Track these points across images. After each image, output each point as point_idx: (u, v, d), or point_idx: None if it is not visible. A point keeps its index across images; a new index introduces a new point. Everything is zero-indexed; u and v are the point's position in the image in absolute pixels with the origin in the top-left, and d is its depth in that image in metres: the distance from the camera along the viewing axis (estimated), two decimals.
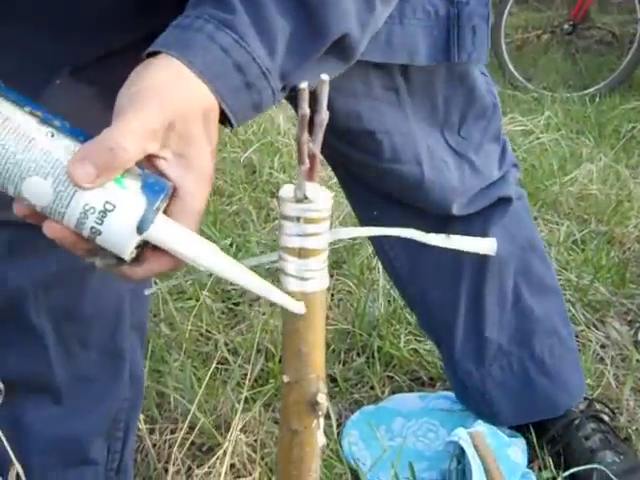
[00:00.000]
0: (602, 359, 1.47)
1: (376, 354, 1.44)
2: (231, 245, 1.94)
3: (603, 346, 1.52)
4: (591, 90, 3.59)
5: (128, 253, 0.54)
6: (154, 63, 0.56)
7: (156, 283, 1.70)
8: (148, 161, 0.55)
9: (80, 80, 0.71)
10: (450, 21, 0.83)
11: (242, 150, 2.57)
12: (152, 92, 0.53)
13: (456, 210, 1.02)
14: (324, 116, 0.52)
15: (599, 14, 5.31)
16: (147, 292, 0.61)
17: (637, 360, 1.46)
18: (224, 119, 0.59)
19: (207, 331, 1.56)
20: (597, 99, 3.43)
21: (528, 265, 1.10)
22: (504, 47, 3.96)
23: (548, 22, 4.62)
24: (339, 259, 1.87)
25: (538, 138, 2.68)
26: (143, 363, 1.00)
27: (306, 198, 0.52)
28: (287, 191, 0.53)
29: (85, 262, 0.57)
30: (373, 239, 1.16)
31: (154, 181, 0.54)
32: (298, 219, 0.52)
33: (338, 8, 0.60)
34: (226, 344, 1.51)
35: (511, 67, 3.92)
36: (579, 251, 1.88)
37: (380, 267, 1.73)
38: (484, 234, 1.04)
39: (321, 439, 0.56)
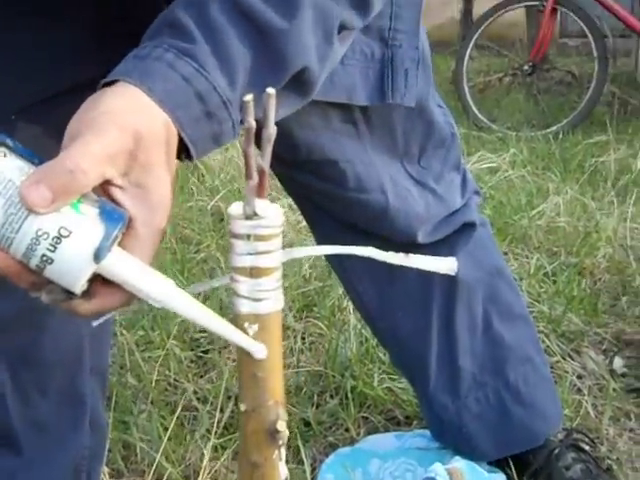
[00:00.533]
0: (579, 389, 1.45)
1: (350, 395, 1.41)
2: (199, 293, 1.90)
3: (580, 376, 1.50)
4: (554, 128, 3.64)
5: (80, 285, 0.50)
6: (111, 90, 0.54)
7: (117, 322, 1.67)
8: (103, 189, 0.52)
9: (27, 119, 0.70)
10: (384, 63, 0.85)
11: (209, 198, 2.55)
12: (111, 117, 0.51)
13: (422, 238, 1.01)
14: (272, 131, 0.50)
15: (558, 57, 5.44)
16: (95, 323, 0.58)
17: (614, 389, 1.44)
18: (181, 152, 0.57)
19: (175, 380, 1.51)
20: (560, 136, 3.47)
21: (496, 291, 1.09)
22: (467, 90, 4.02)
23: (509, 65, 4.70)
24: (310, 302, 1.84)
25: (505, 176, 2.70)
26: (105, 410, 0.96)
27: (256, 215, 0.50)
28: (236, 208, 0.50)
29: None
30: (341, 274, 1.14)
31: (112, 209, 0.51)
32: (248, 237, 0.50)
33: (298, 41, 0.59)
34: (195, 392, 1.47)
35: (475, 109, 3.97)
36: (550, 283, 1.87)
37: (351, 307, 1.71)
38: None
39: (283, 471, 0.53)
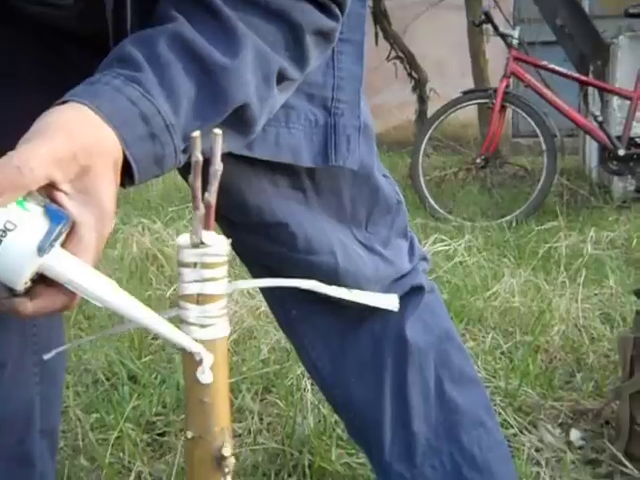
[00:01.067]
0: (537, 462, 1.45)
1: (308, 471, 1.39)
2: (156, 377, 1.89)
3: (537, 449, 1.50)
4: (508, 218, 3.74)
5: (23, 280, 0.52)
6: (61, 107, 0.57)
7: (72, 405, 1.64)
8: (49, 194, 0.54)
9: None
10: (327, 129, 0.89)
11: (167, 287, 2.56)
12: (60, 125, 0.55)
13: None
14: (218, 167, 0.53)
15: (512, 155, 5.64)
16: (46, 356, 0.59)
17: (572, 461, 1.45)
18: (124, 178, 0.60)
19: (130, 462, 1.48)
20: (514, 224, 3.57)
21: (447, 356, 1.10)
22: (423, 183, 4.13)
23: (464, 161, 4.85)
24: (268, 384, 1.84)
25: (461, 261, 2.76)
26: (55, 477, 0.94)
27: (202, 243, 0.52)
28: (184, 238, 0.53)
29: None
30: (295, 341, 1.14)
31: (56, 209, 0.53)
32: (195, 265, 0.52)
33: (239, 78, 0.64)
34: (150, 474, 1.44)
35: (432, 201, 4.07)
36: (507, 360, 1.89)
37: (309, 386, 1.71)
38: (401, 325, 1.05)
39: None
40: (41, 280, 0.53)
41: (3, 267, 0.51)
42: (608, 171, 4.05)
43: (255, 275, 1.10)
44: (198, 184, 0.52)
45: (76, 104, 0.57)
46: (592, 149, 4.58)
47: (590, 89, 4.61)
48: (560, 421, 1.62)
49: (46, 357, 0.59)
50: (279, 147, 0.86)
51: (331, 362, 1.10)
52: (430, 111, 5.26)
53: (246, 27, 0.66)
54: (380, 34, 5.84)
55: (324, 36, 0.76)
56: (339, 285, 1.00)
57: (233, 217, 0.93)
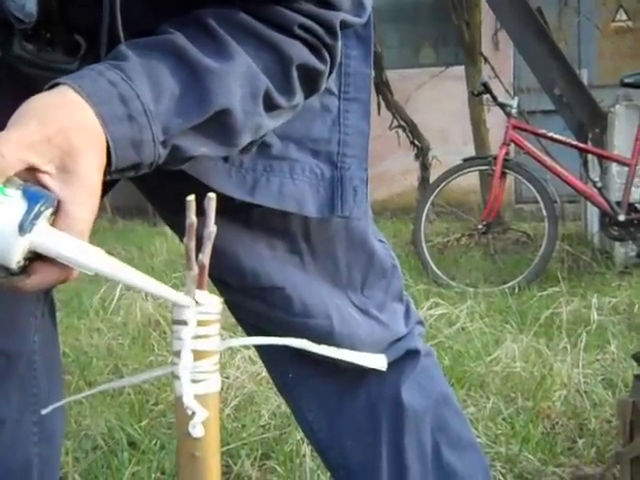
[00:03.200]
0: None
1: None
2: (156, 443, 1.89)
3: None
4: (510, 284, 3.75)
5: (14, 260, 0.56)
6: (42, 93, 0.62)
7: (71, 471, 1.63)
8: (33, 177, 0.58)
9: None
10: (334, 182, 0.91)
11: (169, 353, 2.55)
12: (34, 112, 0.59)
13: None
14: (212, 229, 0.56)
15: (514, 221, 5.68)
16: (44, 411, 0.60)
17: None
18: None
19: None
20: (517, 290, 3.58)
21: (444, 420, 1.09)
22: (425, 249, 4.15)
23: (466, 227, 4.89)
24: (267, 450, 1.83)
25: (463, 327, 2.76)
26: None
27: (196, 302, 0.54)
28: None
29: None
30: (292, 403, 1.15)
31: (36, 190, 0.58)
32: (189, 322, 0.54)
33: (224, 84, 0.68)
34: None
35: (434, 267, 4.08)
36: (508, 426, 1.88)
37: (309, 452, 1.70)
38: (397, 388, 1.05)
39: None
40: (37, 258, 0.58)
41: None
42: (609, 237, 4.08)
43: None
44: (192, 245, 0.55)
45: (61, 86, 0.62)
46: (593, 215, 4.62)
47: (590, 156, 4.68)
48: None
49: (44, 412, 0.61)
50: (282, 196, 0.88)
51: (327, 424, 1.10)
52: (432, 178, 5.32)
53: (239, 47, 0.70)
54: (382, 104, 5.94)
55: (312, 77, 0.78)
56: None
57: (229, 280, 0.95)
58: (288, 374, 1.08)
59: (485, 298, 3.39)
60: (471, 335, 2.68)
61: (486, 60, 6.08)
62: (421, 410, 1.07)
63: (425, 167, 6.18)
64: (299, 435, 1.79)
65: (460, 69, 6.25)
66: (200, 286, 0.55)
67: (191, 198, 0.55)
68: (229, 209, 0.88)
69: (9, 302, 0.91)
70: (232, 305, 1.04)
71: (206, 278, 0.55)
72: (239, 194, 0.84)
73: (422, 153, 6.16)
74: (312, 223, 0.95)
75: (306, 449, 1.71)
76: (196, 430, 0.53)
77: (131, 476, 1.66)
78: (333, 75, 0.86)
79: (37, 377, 0.95)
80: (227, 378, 2.19)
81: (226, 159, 0.83)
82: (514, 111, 4.10)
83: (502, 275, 4.02)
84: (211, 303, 0.54)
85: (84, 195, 0.60)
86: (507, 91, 5.88)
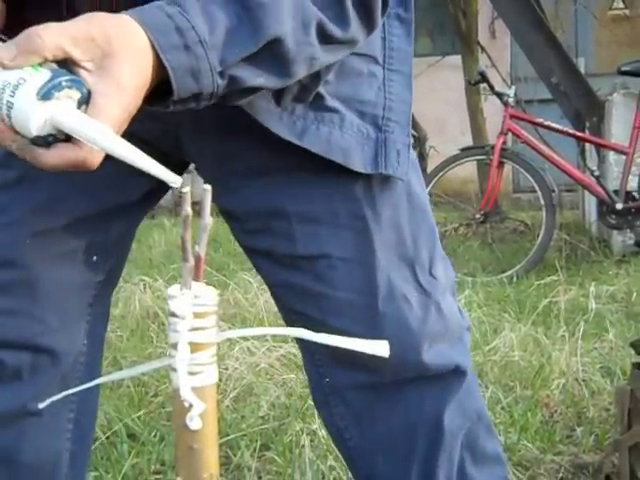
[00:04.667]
0: None
1: None
2: (155, 435, 1.89)
3: None
4: (508, 273, 3.75)
5: (34, 125, 0.62)
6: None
7: None
8: (70, 69, 0.64)
9: None
10: (378, 142, 0.91)
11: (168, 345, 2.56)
12: (87, 16, 0.65)
13: (413, 356, 0.95)
14: (207, 221, 0.56)
15: (512, 210, 5.68)
16: (41, 405, 0.60)
17: None
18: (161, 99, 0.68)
19: None
20: (515, 280, 3.58)
21: (475, 437, 1.03)
22: None
23: (463, 216, 4.89)
24: (267, 441, 1.83)
25: None
26: None
27: (193, 294, 0.54)
28: (175, 289, 0.55)
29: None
30: (324, 410, 1.06)
31: (66, 72, 0.63)
32: (185, 314, 0.54)
33: (275, 14, 0.71)
34: None
35: None
36: (507, 415, 1.89)
37: (308, 442, 1.70)
38: (440, 411, 0.98)
39: None
40: (60, 137, 0.64)
41: (18, 116, 0.62)
42: (607, 225, 4.08)
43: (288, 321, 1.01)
44: (188, 237, 0.54)
45: (118, 14, 0.66)
46: (591, 204, 4.62)
47: (587, 145, 4.68)
48: (560, 475, 1.61)
49: (41, 405, 0.61)
50: (330, 145, 0.88)
51: (360, 435, 1.03)
52: (430, 168, 5.32)
53: None
54: None
55: (367, 7, 0.79)
56: (376, 333, 0.90)
57: (279, 248, 0.93)
58: (325, 378, 1.01)
59: (483, 287, 3.40)
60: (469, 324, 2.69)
61: (483, 49, 6.08)
62: (457, 430, 1.01)
63: (422, 157, 6.18)
64: (298, 426, 1.80)
65: (457, 58, 6.25)
66: (197, 278, 0.55)
67: (187, 190, 0.55)
68: (286, 167, 0.89)
69: (60, 302, 0.92)
70: (280, 286, 0.98)
71: (202, 269, 0.55)
72: (288, 136, 0.85)
73: (419, 143, 6.16)
74: (376, 187, 0.92)
75: (305, 440, 1.71)
76: (193, 422, 0.53)
77: (131, 468, 1.66)
78: (378, 45, 0.91)
79: (80, 377, 0.95)
80: (226, 369, 2.19)
81: (279, 103, 0.84)
82: (511, 100, 4.09)
83: (500, 264, 4.02)
84: (208, 295, 0.54)
85: (116, 92, 0.64)
86: (504, 80, 5.87)
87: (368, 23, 0.81)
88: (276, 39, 0.71)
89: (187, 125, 0.89)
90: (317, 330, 0.98)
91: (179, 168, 0.99)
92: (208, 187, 0.55)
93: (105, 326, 1.03)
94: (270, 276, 0.98)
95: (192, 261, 0.54)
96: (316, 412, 1.82)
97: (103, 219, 0.93)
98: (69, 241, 0.91)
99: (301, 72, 0.76)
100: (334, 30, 0.76)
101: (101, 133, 0.62)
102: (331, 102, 0.88)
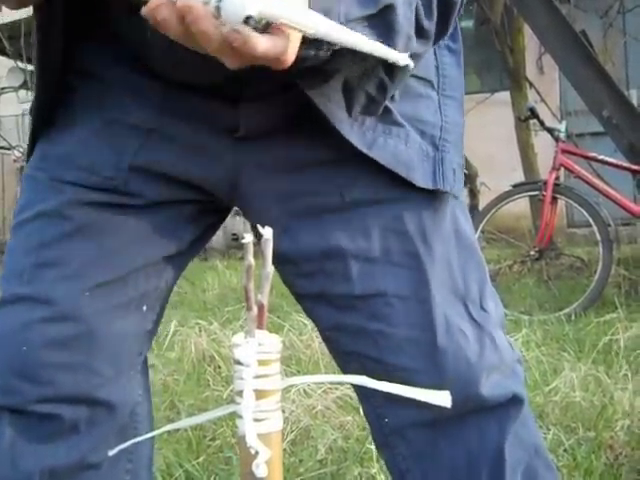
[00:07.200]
0: None
1: None
2: (214, 479, 1.89)
3: None
4: (566, 310, 3.69)
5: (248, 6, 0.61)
6: None
7: None
8: None
9: None
10: (436, 161, 0.95)
11: (225, 387, 2.57)
12: None
13: (472, 390, 0.94)
14: (269, 270, 0.57)
15: (568, 245, 5.60)
16: (110, 453, 0.61)
17: None
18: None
19: None
20: (573, 317, 3.52)
21: (535, 473, 1.00)
22: None
23: (518, 253, 4.84)
24: None
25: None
26: None
27: (257, 343, 0.55)
28: (239, 337, 0.56)
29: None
30: (386, 453, 1.04)
31: None
32: (250, 362, 0.54)
33: None
34: None
35: None
36: (570, 458, 1.84)
37: None
38: (501, 441, 0.96)
39: None
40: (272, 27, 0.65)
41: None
42: None
43: (349, 372, 1.04)
44: (251, 286, 0.55)
45: None
46: None
47: None
48: None
49: (111, 453, 0.62)
50: (395, 158, 0.91)
51: (422, 476, 1.01)
52: (482, 205, 5.29)
53: None
54: None
55: (447, 8, 0.85)
56: (436, 369, 0.93)
57: (336, 289, 0.93)
58: (384, 419, 1.00)
59: (541, 326, 3.34)
60: (528, 364, 2.64)
61: (531, 85, 6.07)
62: (516, 463, 0.98)
63: (474, 194, 6.16)
64: (357, 470, 1.78)
65: (505, 94, 6.24)
66: (260, 326, 0.55)
67: (248, 240, 0.56)
68: (341, 208, 0.92)
69: (114, 353, 0.93)
70: (335, 331, 0.98)
71: (265, 317, 0.56)
72: (358, 144, 0.88)
73: (470, 180, 6.15)
74: (427, 222, 0.93)
75: None
76: (260, 470, 0.53)
77: None
78: (433, 72, 0.96)
79: (137, 427, 0.96)
80: (282, 412, 2.18)
81: (350, 113, 0.87)
82: (562, 135, 4.07)
83: (557, 302, 3.95)
84: (271, 342, 0.55)
85: None
86: (554, 115, 5.85)
87: (442, 26, 0.86)
88: (391, 5, 0.76)
89: (251, 167, 0.92)
90: (374, 368, 1.01)
91: (221, 213, 1.02)
92: (269, 234, 0.56)
93: (148, 377, 1.04)
94: (323, 319, 0.98)
95: (255, 310, 0.55)
96: (374, 456, 1.81)
97: (156, 270, 0.95)
98: (125, 293, 0.93)
99: (400, 46, 0.79)
100: (424, 21, 0.82)
101: (323, 20, 0.65)
102: (398, 118, 0.92)
